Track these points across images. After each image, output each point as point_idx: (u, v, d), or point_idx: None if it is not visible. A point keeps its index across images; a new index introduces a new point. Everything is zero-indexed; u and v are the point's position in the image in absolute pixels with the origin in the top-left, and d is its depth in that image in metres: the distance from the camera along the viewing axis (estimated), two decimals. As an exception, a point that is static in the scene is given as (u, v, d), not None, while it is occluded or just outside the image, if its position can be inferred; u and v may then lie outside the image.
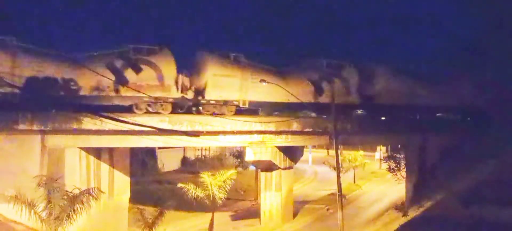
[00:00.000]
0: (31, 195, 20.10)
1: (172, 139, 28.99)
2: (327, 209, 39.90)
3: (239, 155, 52.17)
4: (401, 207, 35.51)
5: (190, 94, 28.71)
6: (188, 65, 29.71)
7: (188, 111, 28.85)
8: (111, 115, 25.32)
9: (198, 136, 27.98)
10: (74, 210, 20.27)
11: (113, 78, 26.28)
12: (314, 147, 67.84)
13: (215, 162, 55.33)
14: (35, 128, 24.64)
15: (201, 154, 59.86)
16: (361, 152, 60.03)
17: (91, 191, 21.39)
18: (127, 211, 30.23)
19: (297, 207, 39.36)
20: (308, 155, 68.04)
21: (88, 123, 25.14)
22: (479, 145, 31.32)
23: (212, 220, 29.50)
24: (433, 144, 34.19)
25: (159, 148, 47.39)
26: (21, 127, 24.29)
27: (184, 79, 28.53)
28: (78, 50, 28.06)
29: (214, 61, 29.56)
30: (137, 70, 27.03)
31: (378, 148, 69.20)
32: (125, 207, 30.29)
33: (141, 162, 47.02)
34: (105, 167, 28.91)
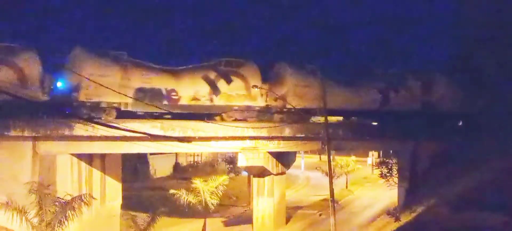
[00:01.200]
0: (23, 202, 20.06)
1: (164, 145, 28.96)
2: (320, 215, 39.90)
3: (231, 160, 52.16)
4: (393, 212, 35.46)
5: (271, 102, 30.54)
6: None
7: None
8: (103, 121, 25.27)
9: (190, 141, 27.97)
10: (65, 216, 20.24)
11: (208, 88, 28.94)
12: (306, 152, 67.87)
13: (207, 168, 55.42)
14: (26, 134, 24.48)
15: (193, 159, 59.86)
16: (353, 157, 60.13)
17: (82, 197, 21.34)
18: (119, 217, 30.16)
19: (290, 212, 39.35)
20: (301, 160, 68.09)
21: (80, 129, 25.03)
22: (471, 150, 31.42)
23: (204, 226, 29.52)
24: (425, 149, 34.29)
25: (151, 154, 47.36)
26: (13, 133, 24.14)
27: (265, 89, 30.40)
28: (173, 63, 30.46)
29: (293, 72, 31.21)
30: (228, 81, 29.43)
31: (370, 153, 69.30)
32: (117, 214, 30.22)
33: (133, 168, 46.95)
34: (97, 173, 28.82)
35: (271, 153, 32.88)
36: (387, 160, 42.88)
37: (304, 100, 30.84)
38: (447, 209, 27.39)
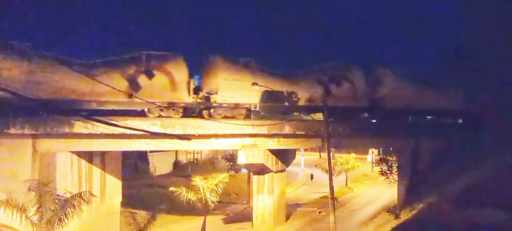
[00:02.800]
0: (22, 199, 20.09)
1: (164, 143, 28.95)
2: (319, 212, 39.94)
3: (231, 158, 52.22)
4: (393, 210, 35.54)
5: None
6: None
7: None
8: (103, 119, 25.25)
9: (190, 139, 27.97)
10: (65, 214, 20.28)
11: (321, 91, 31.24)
12: (306, 150, 67.85)
13: (207, 165, 55.37)
14: (26, 132, 24.48)
15: (193, 157, 59.84)
16: (353, 155, 60.12)
17: (82, 195, 21.34)
18: (119, 215, 30.18)
19: (290, 210, 39.41)
20: (301, 158, 68.10)
21: (80, 126, 25.02)
22: (472, 147, 31.43)
23: (204, 223, 29.49)
24: (425, 146, 34.30)
25: (151, 151, 47.30)
26: (13, 131, 24.14)
27: None
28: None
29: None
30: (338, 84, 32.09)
31: (370, 150, 69.32)
32: (117, 211, 30.23)
33: (133, 166, 46.99)
34: (96, 170, 28.82)
35: (271, 151, 32.87)
36: (387, 158, 42.92)
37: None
38: (447, 206, 27.39)
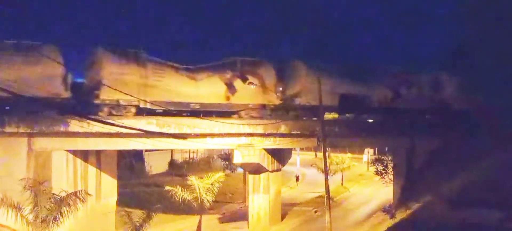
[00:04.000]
0: (18, 198, 20.03)
1: (160, 142, 28.95)
2: (315, 211, 40.00)
3: (227, 157, 52.16)
4: (388, 209, 35.68)
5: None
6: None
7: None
8: (98, 117, 25.19)
9: (186, 138, 27.96)
10: (61, 213, 20.23)
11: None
12: (302, 149, 67.85)
13: (203, 165, 55.31)
14: (21, 130, 24.43)
15: (189, 156, 59.78)
16: (349, 155, 60.21)
17: (78, 194, 21.31)
18: (114, 214, 30.09)
19: (285, 209, 39.40)
20: (296, 157, 68.13)
21: (75, 125, 24.97)
22: (466, 148, 31.53)
23: (200, 223, 29.49)
24: (420, 146, 34.41)
25: (147, 150, 47.26)
26: (8, 129, 24.08)
27: None
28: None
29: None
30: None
31: (366, 150, 69.45)
32: (112, 210, 30.14)
33: (128, 165, 46.88)
34: (92, 169, 28.73)
35: (267, 150, 32.89)
36: (382, 157, 43.03)
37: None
38: (442, 206, 27.50)
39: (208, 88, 29.56)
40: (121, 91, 23.89)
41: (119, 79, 26.53)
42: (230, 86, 29.55)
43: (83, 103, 26.77)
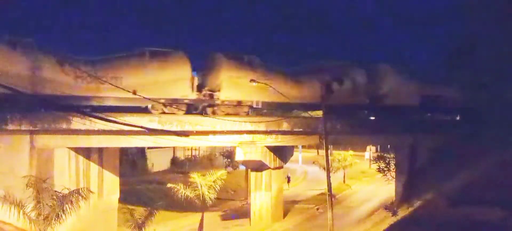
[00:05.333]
0: (20, 195, 20.06)
1: (162, 139, 28.95)
2: (317, 209, 40.01)
3: (229, 154, 52.20)
4: (390, 207, 35.59)
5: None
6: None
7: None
8: (101, 115, 25.21)
9: (188, 135, 27.97)
10: (63, 210, 20.23)
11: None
12: (304, 147, 67.95)
13: (205, 162, 55.45)
14: (24, 128, 24.46)
15: (191, 154, 59.84)
16: (351, 152, 60.23)
17: (80, 191, 21.34)
18: (116, 211, 30.15)
19: (287, 207, 39.42)
20: (298, 155, 68.18)
21: (78, 123, 25.00)
22: (469, 145, 31.46)
23: (202, 220, 29.51)
24: (422, 143, 34.36)
25: (149, 148, 47.32)
26: (10, 127, 24.12)
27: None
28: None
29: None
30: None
31: (368, 147, 69.45)
32: (114, 207, 30.20)
33: (130, 162, 46.96)
34: (94, 167, 28.78)
35: (269, 147, 32.87)
36: (384, 155, 42.98)
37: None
38: (444, 204, 27.42)
39: (309, 91, 31.07)
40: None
41: (236, 82, 29.69)
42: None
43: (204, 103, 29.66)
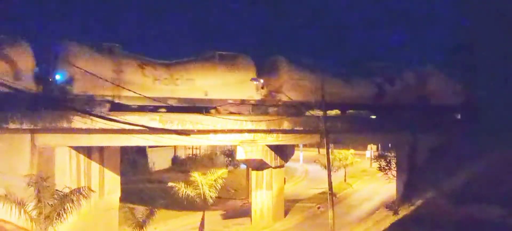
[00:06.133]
0: (21, 194, 20.04)
1: (163, 138, 28.96)
2: (318, 208, 40.00)
3: (230, 153, 52.18)
4: (392, 206, 35.54)
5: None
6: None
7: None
8: (101, 114, 25.24)
9: (189, 134, 27.97)
10: (64, 209, 20.22)
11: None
12: (305, 145, 67.90)
13: (206, 161, 55.29)
14: (24, 126, 24.43)
15: (192, 152, 59.74)
16: (352, 151, 60.14)
17: (81, 190, 21.33)
18: (117, 210, 30.17)
19: (288, 205, 39.37)
20: (299, 153, 68.13)
21: (78, 121, 24.99)
22: (470, 143, 31.45)
23: (202, 219, 29.50)
24: (423, 142, 34.34)
25: (150, 147, 47.27)
26: (11, 126, 24.08)
27: None
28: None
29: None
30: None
31: (369, 146, 69.35)
32: (115, 206, 30.22)
33: (131, 161, 46.84)
34: (95, 166, 28.79)
35: (270, 146, 32.87)
36: (385, 153, 42.94)
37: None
38: (445, 202, 27.45)
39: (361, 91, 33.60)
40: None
41: (296, 83, 31.47)
42: None
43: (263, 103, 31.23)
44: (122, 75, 26.90)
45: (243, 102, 30.27)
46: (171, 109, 28.07)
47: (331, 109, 33.89)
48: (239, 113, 29.97)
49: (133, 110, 27.27)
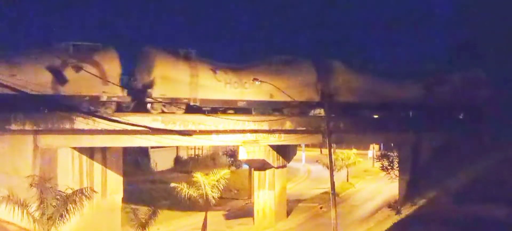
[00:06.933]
0: (24, 195, 20.06)
1: (165, 138, 28.95)
2: (321, 208, 39.98)
3: (232, 154, 52.12)
4: (394, 205, 35.57)
5: None
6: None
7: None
8: (104, 115, 25.26)
9: (191, 135, 27.97)
10: (67, 210, 20.23)
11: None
12: (307, 145, 67.84)
13: (208, 161, 55.34)
14: (27, 128, 24.46)
15: (194, 153, 59.76)
16: (354, 150, 60.09)
17: (84, 191, 21.34)
18: (120, 210, 30.11)
19: (291, 205, 39.38)
20: (302, 153, 68.10)
21: (81, 122, 25.02)
22: (472, 143, 31.44)
23: (205, 219, 29.50)
24: (426, 142, 34.33)
25: (152, 147, 47.28)
26: (14, 127, 24.12)
27: None
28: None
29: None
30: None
31: (371, 146, 69.28)
32: (118, 207, 30.16)
33: (134, 162, 46.89)
34: (98, 166, 28.74)
35: (272, 146, 32.90)
36: (388, 153, 42.92)
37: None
38: (448, 202, 27.43)
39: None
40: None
41: (349, 86, 32.99)
42: None
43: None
44: (197, 79, 28.53)
45: (304, 104, 31.75)
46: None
47: (383, 110, 35.45)
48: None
49: (202, 113, 29.04)
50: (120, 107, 27.43)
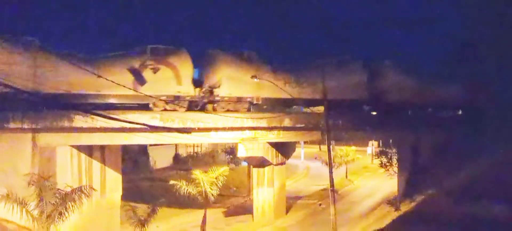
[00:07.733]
0: (23, 194, 20.05)
1: (164, 136, 28.95)
2: (320, 204, 40.01)
3: (231, 151, 52.14)
4: (393, 202, 35.63)
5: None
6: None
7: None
8: (102, 113, 25.20)
9: (190, 133, 27.96)
10: (66, 208, 20.22)
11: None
12: (306, 142, 67.87)
13: (207, 159, 55.31)
14: (26, 126, 24.44)
15: (193, 150, 59.79)
16: (353, 147, 60.12)
17: (83, 189, 21.32)
18: (119, 208, 30.14)
19: (290, 202, 39.42)
20: (300, 150, 68.11)
21: (79, 120, 24.98)
22: (471, 141, 31.46)
23: (204, 216, 29.47)
24: (425, 139, 34.36)
25: (151, 145, 47.26)
26: (12, 125, 24.10)
27: None
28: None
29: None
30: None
31: (370, 143, 69.37)
32: (117, 205, 30.20)
33: (133, 160, 46.90)
34: (96, 164, 28.76)
35: (271, 143, 32.91)
36: (387, 150, 42.94)
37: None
38: (447, 199, 27.46)
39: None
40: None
41: (399, 86, 34.00)
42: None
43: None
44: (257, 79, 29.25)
45: (354, 102, 33.19)
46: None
47: (425, 109, 36.76)
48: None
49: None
50: (190, 106, 28.82)
